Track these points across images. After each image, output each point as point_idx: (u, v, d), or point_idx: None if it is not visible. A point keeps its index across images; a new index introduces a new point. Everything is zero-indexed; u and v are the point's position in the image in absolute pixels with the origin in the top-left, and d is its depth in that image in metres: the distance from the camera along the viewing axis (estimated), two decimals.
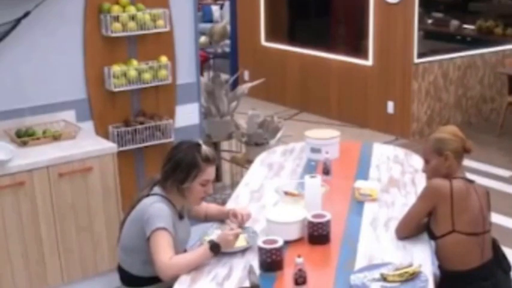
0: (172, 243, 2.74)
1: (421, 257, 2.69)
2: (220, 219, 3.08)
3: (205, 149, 2.88)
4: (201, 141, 2.93)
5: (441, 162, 2.84)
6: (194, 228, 3.11)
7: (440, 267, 2.89)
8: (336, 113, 7.91)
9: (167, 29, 4.34)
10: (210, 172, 2.88)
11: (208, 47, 10.00)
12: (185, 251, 2.94)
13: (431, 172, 2.91)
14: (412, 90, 6.98)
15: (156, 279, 2.79)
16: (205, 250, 2.69)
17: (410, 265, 2.53)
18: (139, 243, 2.82)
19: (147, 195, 2.88)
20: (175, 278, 2.63)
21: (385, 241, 2.85)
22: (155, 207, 2.79)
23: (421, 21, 7.01)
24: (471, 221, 2.78)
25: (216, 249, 2.69)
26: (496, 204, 3.68)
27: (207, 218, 3.16)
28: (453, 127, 2.96)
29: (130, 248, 2.90)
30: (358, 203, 3.24)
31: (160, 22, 4.28)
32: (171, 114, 4.53)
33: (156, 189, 2.89)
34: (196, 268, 2.65)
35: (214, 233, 2.91)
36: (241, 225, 2.93)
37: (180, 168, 2.83)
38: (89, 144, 3.90)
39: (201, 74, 6.18)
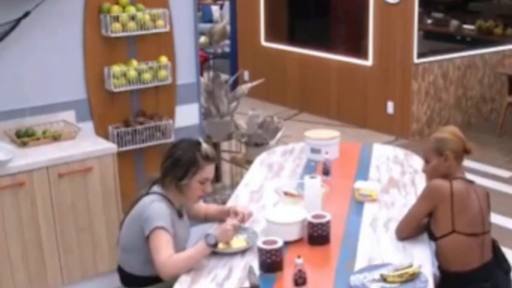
0: (172, 242, 2.74)
1: (421, 257, 2.69)
2: (220, 218, 3.05)
3: (205, 147, 2.89)
4: (201, 140, 2.94)
5: (441, 162, 2.85)
6: (194, 229, 3.11)
7: (440, 268, 2.89)
8: (335, 113, 7.91)
9: (167, 29, 4.34)
10: (209, 170, 2.88)
11: (208, 47, 9.98)
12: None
13: (431, 172, 2.91)
14: (412, 90, 6.97)
15: (156, 279, 2.80)
16: (203, 245, 2.69)
17: (410, 266, 2.53)
18: (138, 242, 2.82)
19: (146, 194, 2.88)
20: (175, 277, 2.62)
21: (385, 242, 2.84)
22: (154, 206, 2.79)
23: (421, 21, 7.01)
24: (471, 221, 2.78)
25: (213, 241, 2.68)
26: (496, 204, 3.68)
27: (206, 218, 3.16)
28: (453, 127, 2.96)
29: (130, 247, 2.90)
30: (358, 204, 3.24)
31: (160, 22, 4.28)
32: (171, 115, 4.53)
33: (155, 188, 2.89)
34: (196, 269, 2.65)
35: None
36: (242, 224, 2.92)
37: (180, 165, 2.84)
38: (89, 144, 3.90)
39: (201, 74, 6.17)
